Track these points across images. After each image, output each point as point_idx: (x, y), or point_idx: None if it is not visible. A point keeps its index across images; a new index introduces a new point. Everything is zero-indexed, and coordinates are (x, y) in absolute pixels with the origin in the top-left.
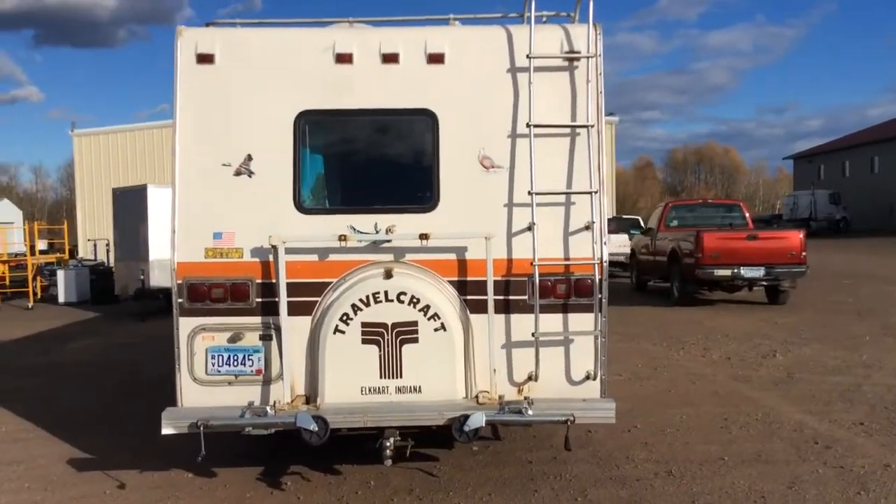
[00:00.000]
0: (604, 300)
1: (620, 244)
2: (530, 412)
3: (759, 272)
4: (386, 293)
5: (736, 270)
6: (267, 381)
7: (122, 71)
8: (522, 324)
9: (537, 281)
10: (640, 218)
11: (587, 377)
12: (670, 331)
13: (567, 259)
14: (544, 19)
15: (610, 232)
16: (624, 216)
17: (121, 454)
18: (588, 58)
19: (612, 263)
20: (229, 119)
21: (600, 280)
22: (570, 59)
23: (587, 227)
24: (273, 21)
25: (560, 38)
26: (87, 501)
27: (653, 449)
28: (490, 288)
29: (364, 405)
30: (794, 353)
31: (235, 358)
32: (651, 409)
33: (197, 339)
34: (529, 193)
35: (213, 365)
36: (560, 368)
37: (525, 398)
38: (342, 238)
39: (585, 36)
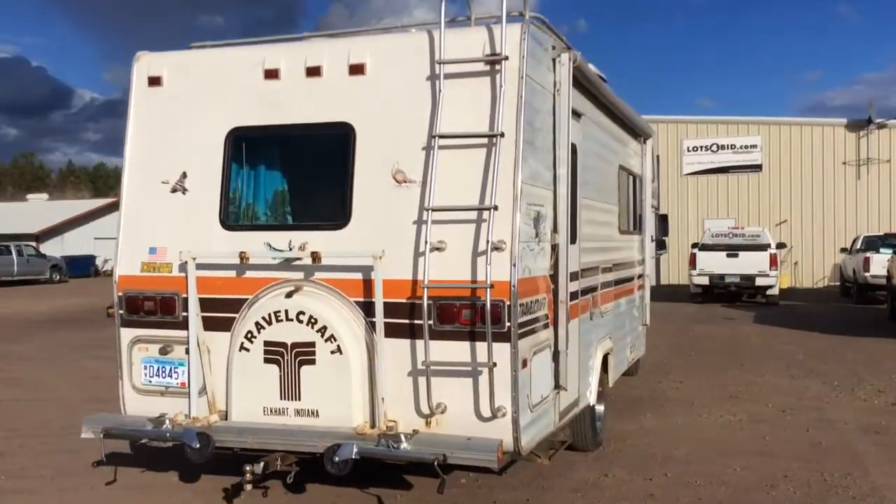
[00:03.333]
0: (513, 328)
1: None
2: (404, 447)
3: None
4: (286, 312)
5: None
6: (192, 395)
7: None
8: (429, 351)
9: (425, 304)
10: None
11: (498, 413)
12: (873, 369)
13: (474, 282)
14: (468, 19)
15: (860, 251)
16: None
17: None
18: (503, 60)
19: (870, 287)
20: (170, 138)
21: (509, 306)
22: (492, 63)
23: (497, 248)
24: (229, 42)
25: (483, 40)
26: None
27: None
28: (379, 310)
29: (263, 426)
30: None
31: (164, 370)
32: (707, 456)
33: (134, 349)
34: (425, 209)
35: (146, 375)
36: (469, 402)
37: (411, 432)
38: (243, 257)
39: (516, 36)
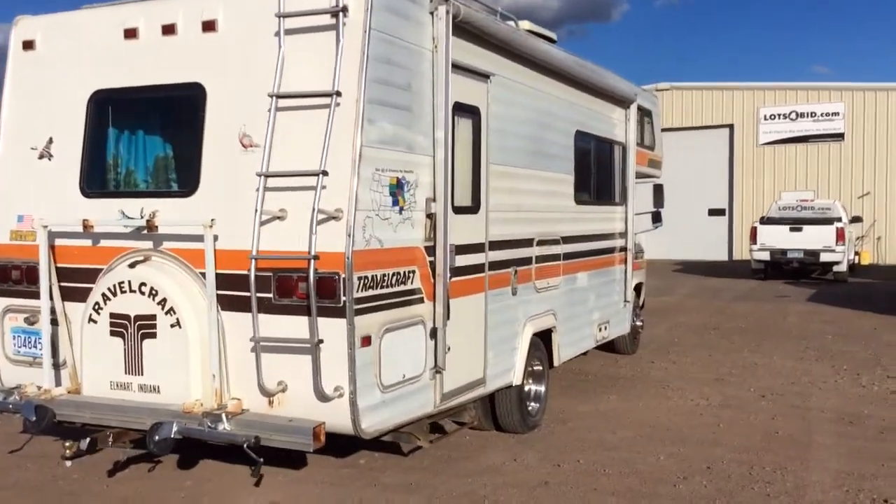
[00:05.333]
0: (349, 302)
1: None
2: (223, 427)
3: None
4: (129, 283)
5: None
6: (57, 366)
7: None
8: (270, 326)
9: (252, 276)
10: None
11: (335, 394)
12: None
13: (307, 254)
14: None
15: None
16: None
17: None
18: (339, 11)
19: None
20: (41, 103)
21: (345, 279)
22: (336, 16)
23: (334, 217)
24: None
25: None
26: None
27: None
28: (210, 282)
29: (103, 401)
30: None
31: (30, 340)
32: (640, 443)
33: (5, 318)
34: (258, 175)
35: (15, 345)
36: (308, 381)
37: (240, 411)
38: (86, 225)
39: None
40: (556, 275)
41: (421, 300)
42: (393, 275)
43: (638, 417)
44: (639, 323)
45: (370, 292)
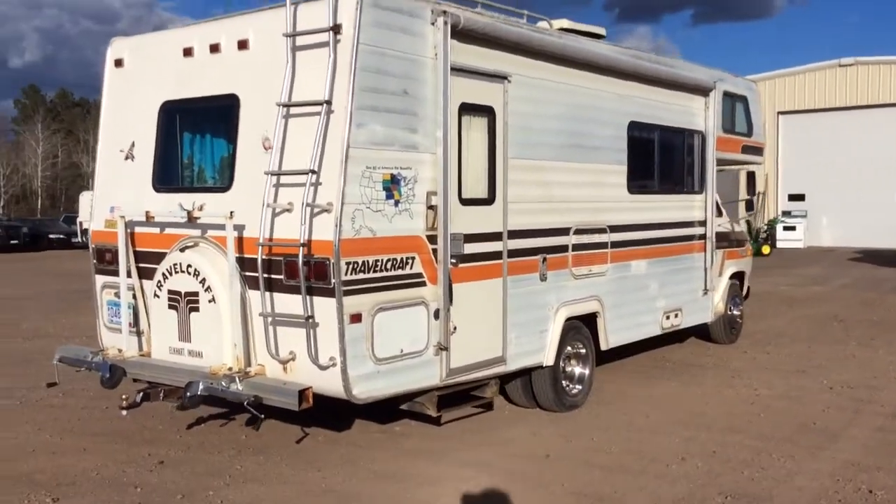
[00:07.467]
0: (338, 284)
1: None
2: (234, 387)
3: None
4: (180, 265)
5: None
6: (139, 333)
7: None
8: (283, 302)
9: (259, 260)
10: None
11: (330, 363)
12: None
13: (308, 241)
14: None
15: None
16: None
17: None
18: (329, 30)
19: None
20: (127, 111)
21: (334, 264)
22: (332, 33)
23: (325, 210)
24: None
25: (326, 12)
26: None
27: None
28: (231, 264)
29: (161, 363)
30: None
31: (118, 312)
32: (665, 427)
33: (103, 293)
34: (265, 174)
35: (110, 315)
36: (311, 351)
37: (253, 374)
38: (148, 216)
39: (352, 6)
40: (602, 262)
41: (423, 283)
42: (388, 260)
43: (683, 404)
44: (736, 312)
45: (360, 276)
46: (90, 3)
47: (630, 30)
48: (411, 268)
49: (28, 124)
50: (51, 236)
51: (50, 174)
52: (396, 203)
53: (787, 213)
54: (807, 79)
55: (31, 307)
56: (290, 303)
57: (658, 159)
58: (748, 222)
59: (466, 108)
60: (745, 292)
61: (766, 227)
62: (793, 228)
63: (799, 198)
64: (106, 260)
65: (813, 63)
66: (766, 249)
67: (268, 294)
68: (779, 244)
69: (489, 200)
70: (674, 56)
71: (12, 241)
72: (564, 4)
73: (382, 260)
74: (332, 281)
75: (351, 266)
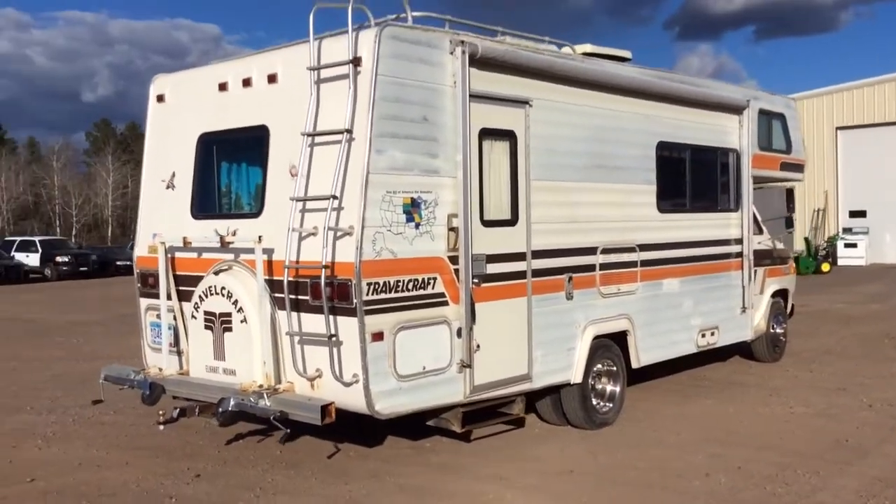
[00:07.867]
0: (359, 304)
1: None
2: (262, 403)
3: None
4: (215, 287)
5: None
6: (179, 353)
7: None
8: (309, 322)
9: (286, 282)
10: None
11: (353, 380)
12: None
13: (332, 263)
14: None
15: None
16: None
17: None
18: (349, 63)
19: None
20: (168, 143)
21: (355, 285)
22: (353, 65)
23: (347, 233)
24: (222, 60)
25: (347, 45)
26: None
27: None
28: (261, 285)
29: (198, 381)
30: None
31: (160, 333)
32: (693, 445)
33: (147, 315)
34: (291, 199)
35: (152, 336)
36: (335, 369)
37: (281, 391)
38: (185, 242)
39: (370, 40)
40: (631, 280)
41: (445, 303)
42: (409, 281)
43: (716, 422)
44: (779, 330)
45: (382, 296)
46: (159, 39)
47: (692, 48)
48: (433, 288)
49: (99, 156)
50: (118, 263)
51: (120, 203)
52: (417, 226)
53: (847, 230)
54: (865, 93)
55: (95, 331)
56: (315, 322)
57: (690, 178)
58: (806, 239)
59: (487, 133)
60: (788, 310)
61: (825, 245)
62: (854, 245)
63: (860, 214)
64: (149, 283)
65: (871, 77)
66: (826, 267)
67: (294, 314)
68: (840, 261)
69: (512, 221)
70: (738, 73)
71: (81, 268)
72: (624, 26)
73: (403, 280)
74: (354, 301)
75: (372, 286)
